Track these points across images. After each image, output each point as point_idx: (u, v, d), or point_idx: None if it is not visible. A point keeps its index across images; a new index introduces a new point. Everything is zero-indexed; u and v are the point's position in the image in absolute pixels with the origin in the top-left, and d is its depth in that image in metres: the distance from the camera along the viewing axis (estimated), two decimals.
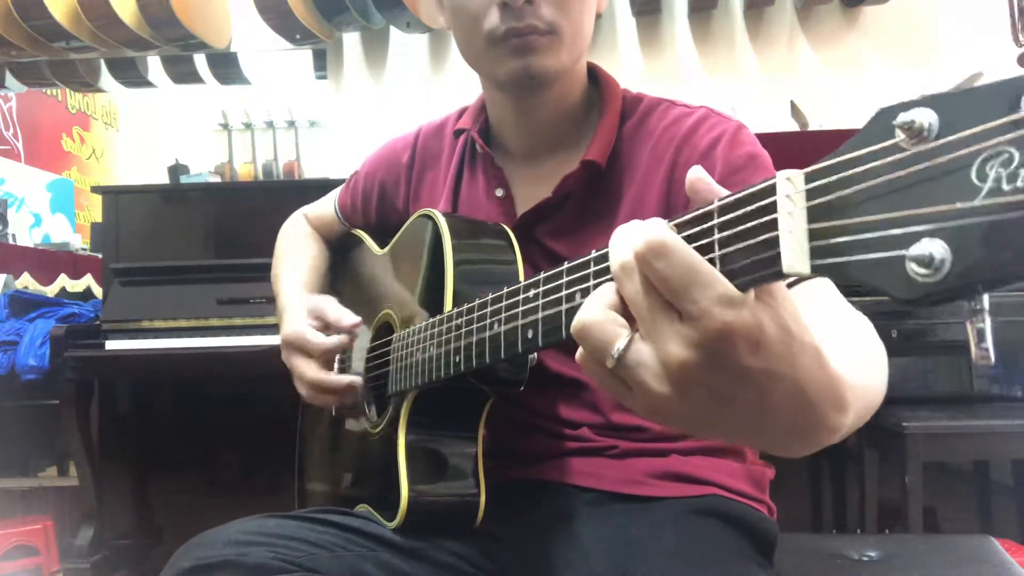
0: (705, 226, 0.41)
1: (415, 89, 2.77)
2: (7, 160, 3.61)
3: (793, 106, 2.29)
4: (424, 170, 1.02)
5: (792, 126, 2.29)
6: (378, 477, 0.86)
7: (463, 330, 0.69)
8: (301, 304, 1.00)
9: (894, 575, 1.03)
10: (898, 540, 1.15)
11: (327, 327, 0.95)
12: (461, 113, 1.02)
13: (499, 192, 0.92)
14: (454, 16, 0.87)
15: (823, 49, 2.57)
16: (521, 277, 0.81)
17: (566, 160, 0.90)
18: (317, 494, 1.09)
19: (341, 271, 1.14)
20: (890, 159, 0.33)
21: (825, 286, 0.68)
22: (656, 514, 0.79)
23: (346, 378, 0.92)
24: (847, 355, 0.50)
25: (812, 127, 2.26)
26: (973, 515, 2.03)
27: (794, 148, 1.84)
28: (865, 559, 1.08)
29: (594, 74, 0.94)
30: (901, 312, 1.61)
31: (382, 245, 1.02)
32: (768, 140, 0.86)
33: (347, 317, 0.94)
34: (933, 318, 1.63)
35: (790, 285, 0.41)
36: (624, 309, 0.42)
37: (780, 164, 0.83)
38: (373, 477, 0.89)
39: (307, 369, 0.93)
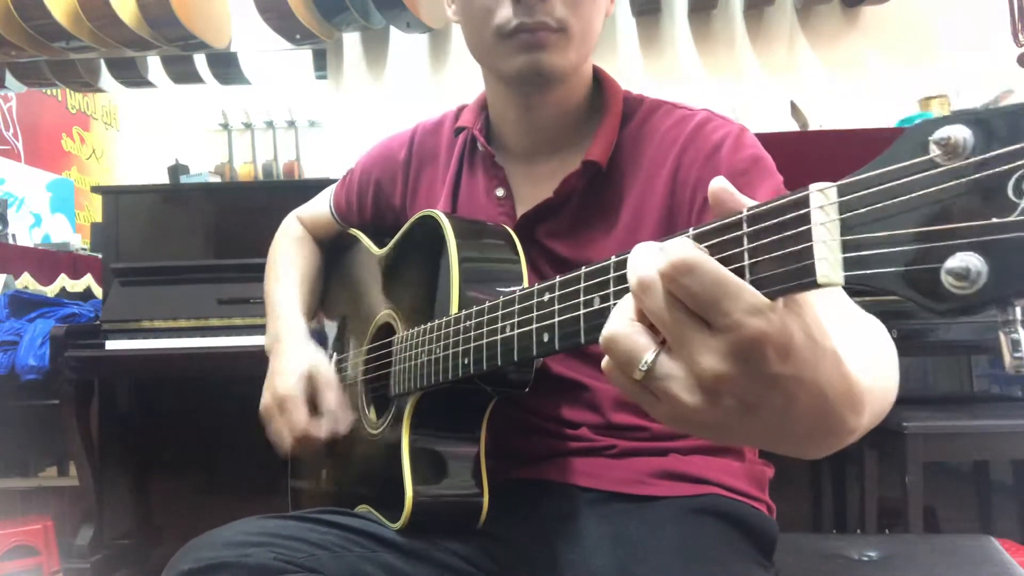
0: (733, 235, 0.41)
1: (415, 89, 2.77)
2: (7, 160, 3.61)
3: (793, 106, 2.29)
4: (421, 168, 1.02)
5: (792, 126, 2.29)
6: (380, 478, 0.86)
7: (472, 332, 0.69)
8: (298, 354, 0.97)
9: (894, 575, 1.03)
10: (898, 540, 1.15)
11: (315, 398, 0.94)
12: (459, 111, 1.01)
13: (499, 192, 0.92)
14: (464, 8, 0.87)
15: (823, 49, 2.57)
16: (525, 278, 0.81)
17: (567, 161, 0.90)
18: (312, 495, 1.08)
19: (337, 271, 1.14)
20: (925, 174, 0.34)
21: (835, 291, 0.68)
22: (656, 513, 0.79)
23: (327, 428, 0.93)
24: (862, 358, 0.50)
25: (812, 127, 2.26)
26: (973, 515, 2.03)
27: (794, 148, 1.84)
28: (865, 559, 1.08)
29: (597, 76, 0.94)
30: (902, 312, 1.61)
31: (379, 244, 1.02)
32: (768, 140, 0.87)
33: (341, 413, 0.93)
34: (933, 318, 1.63)
35: None
36: (650, 321, 0.42)
37: (781, 164, 0.84)
38: (374, 478, 0.89)
39: (292, 427, 0.93)
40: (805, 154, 1.83)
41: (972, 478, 2.05)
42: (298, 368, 0.95)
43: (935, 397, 2.10)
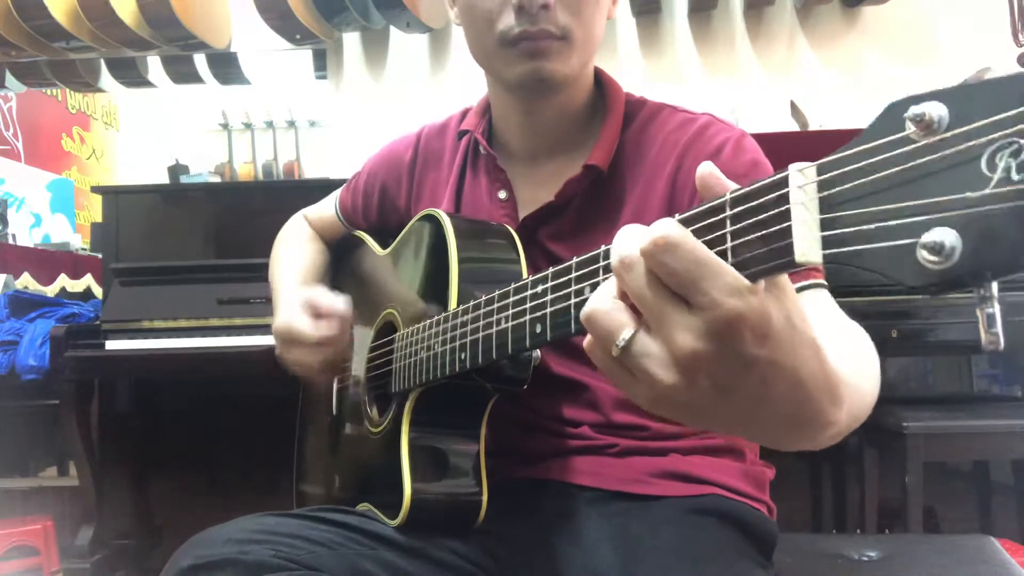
0: (717, 218, 0.41)
1: (415, 89, 2.77)
2: (7, 160, 3.61)
3: (793, 106, 2.29)
4: (426, 170, 1.02)
5: (792, 126, 2.28)
6: (380, 476, 0.86)
7: (468, 327, 0.69)
8: (293, 297, 0.97)
9: (894, 575, 1.03)
10: (898, 540, 1.15)
11: (321, 317, 0.93)
12: (464, 114, 1.02)
13: (502, 194, 0.93)
14: (466, 13, 0.87)
15: (823, 49, 2.56)
16: (525, 277, 0.81)
17: (568, 163, 0.90)
18: (316, 493, 1.09)
19: (343, 272, 1.14)
20: (901, 151, 0.34)
21: (822, 296, 0.69)
22: (656, 513, 0.79)
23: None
24: (842, 354, 0.51)
25: (812, 127, 2.26)
26: (973, 515, 2.03)
27: (794, 148, 1.84)
28: (865, 559, 1.08)
29: (599, 78, 0.95)
30: (901, 312, 1.61)
31: (383, 246, 1.02)
32: (768, 140, 0.87)
33: (340, 303, 0.92)
34: (933, 318, 1.63)
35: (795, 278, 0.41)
36: (631, 302, 0.43)
37: (780, 164, 0.84)
38: (375, 476, 0.89)
39: (303, 351, 0.92)
40: (805, 154, 1.82)
41: (972, 478, 2.05)
42: (296, 299, 0.95)
43: (935, 397, 2.10)
